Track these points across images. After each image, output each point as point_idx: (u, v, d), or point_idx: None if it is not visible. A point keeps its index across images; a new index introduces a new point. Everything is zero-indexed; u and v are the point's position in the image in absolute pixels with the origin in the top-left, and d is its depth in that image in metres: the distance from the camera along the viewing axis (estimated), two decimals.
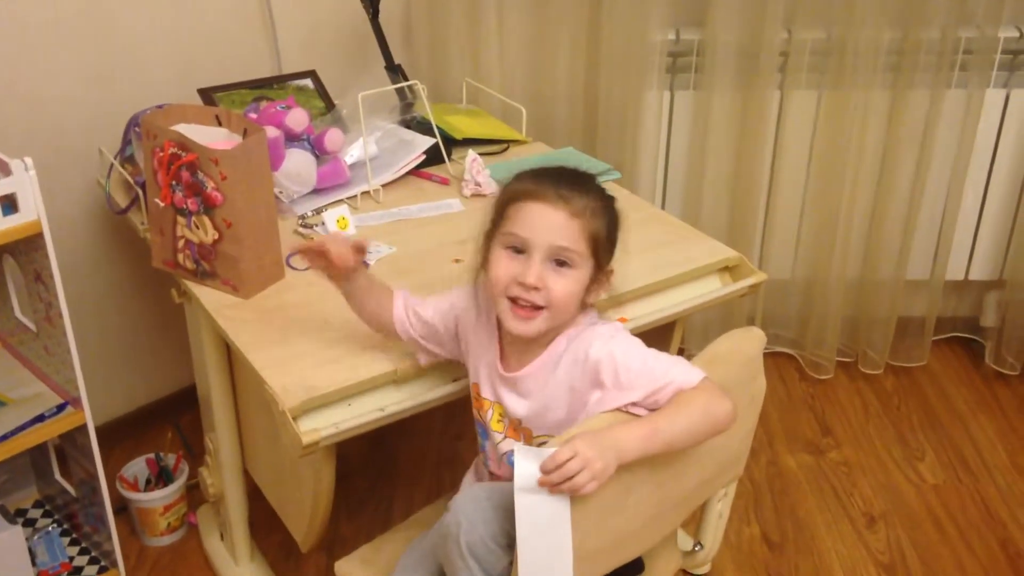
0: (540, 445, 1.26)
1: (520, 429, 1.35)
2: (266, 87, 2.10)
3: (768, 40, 2.26)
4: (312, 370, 1.41)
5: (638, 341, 1.29)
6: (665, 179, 2.48)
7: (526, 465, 1.14)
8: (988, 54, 2.31)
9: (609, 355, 1.25)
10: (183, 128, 1.59)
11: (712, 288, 1.71)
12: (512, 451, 1.16)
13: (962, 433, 2.42)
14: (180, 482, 2.06)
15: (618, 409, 1.23)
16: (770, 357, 2.61)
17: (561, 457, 1.11)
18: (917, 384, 2.59)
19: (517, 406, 1.34)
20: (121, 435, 2.29)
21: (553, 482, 1.12)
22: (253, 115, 1.86)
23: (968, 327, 2.73)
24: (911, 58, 2.29)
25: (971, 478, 2.27)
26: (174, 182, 1.57)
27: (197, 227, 1.58)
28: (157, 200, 1.60)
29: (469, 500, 1.25)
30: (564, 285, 1.25)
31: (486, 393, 1.38)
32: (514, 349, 1.35)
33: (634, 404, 1.22)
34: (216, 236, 1.56)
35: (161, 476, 2.10)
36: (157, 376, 2.35)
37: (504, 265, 1.27)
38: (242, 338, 1.49)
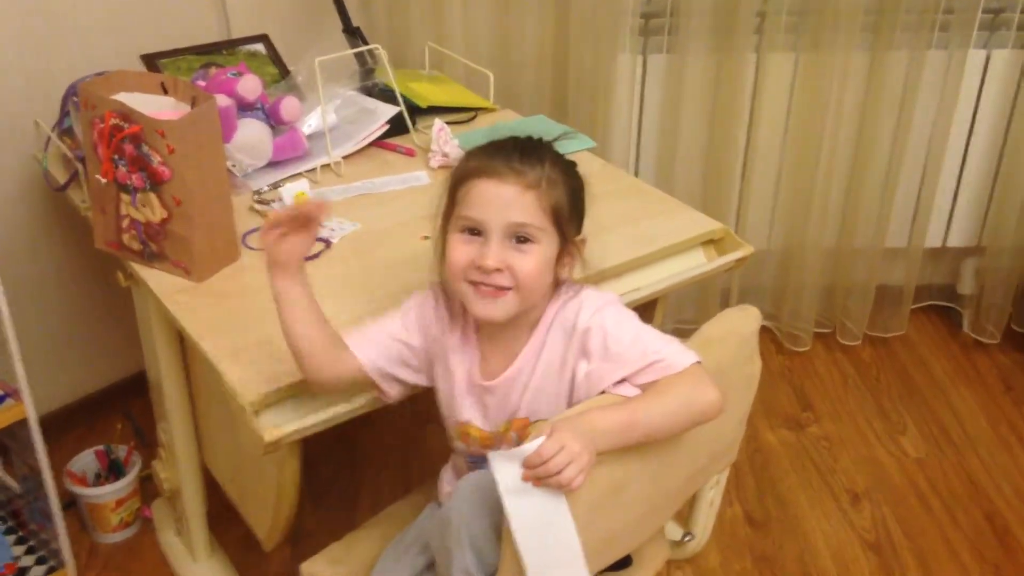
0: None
1: (514, 420, 1.25)
2: (215, 53, 1.98)
3: None
4: (273, 360, 1.30)
5: (631, 314, 1.20)
6: (638, 147, 2.38)
7: (507, 468, 1.05)
8: (969, 12, 2.23)
9: (600, 324, 1.17)
10: (125, 97, 1.46)
11: (696, 263, 1.62)
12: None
13: (942, 404, 2.37)
14: (132, 475, 1.95)
15: (603, 392, 1.15)
16: None
17: (547, 452, 1.03)
18: (895, 354, 2.54)
19: (505, 412, 1.25)
20: (69, 425, 2.17)
21: (539, 476, 1.04)
22: (201, 83, 1.74)
23: (945, 295, 2.68)
24: (891, 17, 2.21)
25: (954, 450, 2.23)
26: (116, 156, 1.44)
27: (143, 205, 1.45)
28: (98, 176, 1.47)
29: (473, 490, 1.17)
30: (528, 262, 1.15)
31: (482, 424, 1.28)
32: (495, 348, 1.25)
33: (621, 382, 1.14)
34: (164, 214, 1.44)
35: (112, 469, 1.98)
36: (105, 362, 2.23)
37: (459, 249, 1.17)
38: (195, 325, 1.38)
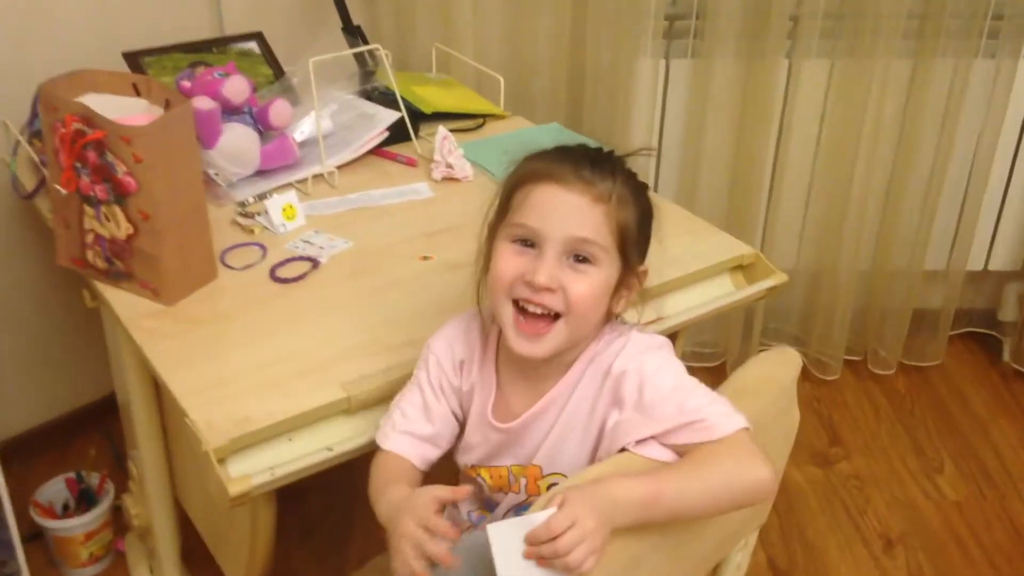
0: (548, 488, 1.05)
1: (529, 467, 1.10)
2: (204, 51, 1.83)
3: (777, 1, 2.00)
4: (245, 397, 1.16)
5: (679, 364, 1.04)
6: (659, 158, 2.23)
7: (508, 538, 0.90)
8: (1020, 19, 2.07)
9: (637, 368, 1.02)
10: (91, 99, 1.32)
11: (724, 291, 1.47)
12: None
13: (982, 440, 2.20)
14: (104, 506, 1.80)
15: (624, 449, 1.00)
16: None
17: (557, 527, 0.88)
18: (931, 385, 2.37)
19: (519, 457, 1.11)
20: (41, 448, 2.03)
21: (543, 555, 0.89)
22: (186, 83, 1.59)
23: (984, 322, 2.51)
24: (935, 23, 2.05)
25: (995, 492, 2.06)
26: (79, 164, 1.29)
27: (108, 219, 1.30)
28: (58, 186, 1.32)
29: (466, 558, 1.00)
30: (585, 286, 1.01)
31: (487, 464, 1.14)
32: (516, 385, 1.10)
33: (651, 439, 0.99)
34: (130, 230, 1.29)
35: (83, 498, 1.83)
36: (82, 380, 2.08)
37: (509, 260, 1.02)
38: (161, 356, 1.23)
